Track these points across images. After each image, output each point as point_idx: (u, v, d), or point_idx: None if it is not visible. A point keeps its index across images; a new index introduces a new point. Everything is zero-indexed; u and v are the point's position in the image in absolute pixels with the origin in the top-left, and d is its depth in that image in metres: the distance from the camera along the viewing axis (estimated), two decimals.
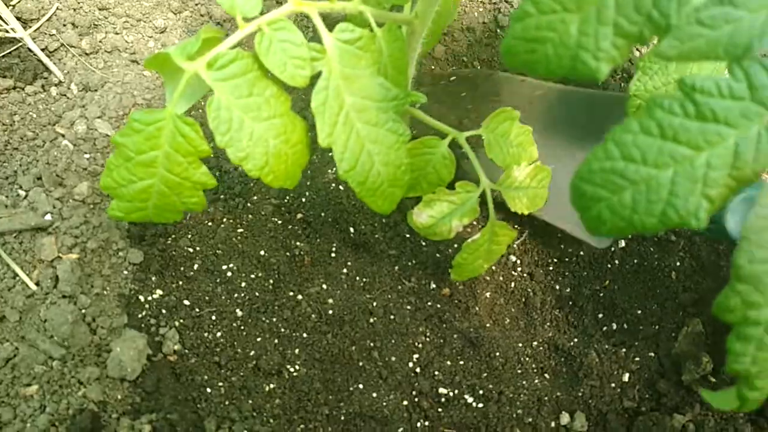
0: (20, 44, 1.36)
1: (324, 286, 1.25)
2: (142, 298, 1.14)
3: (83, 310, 1.06)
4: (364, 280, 1.27)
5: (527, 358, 1.25)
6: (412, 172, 1.13)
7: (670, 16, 0.56)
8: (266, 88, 0.91)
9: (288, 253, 1.27)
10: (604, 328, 1.29)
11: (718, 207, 0.61)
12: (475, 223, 1.32)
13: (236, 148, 0.90)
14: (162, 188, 0.92)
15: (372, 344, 1.21)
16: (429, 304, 1.26)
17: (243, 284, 1.22)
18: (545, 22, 0.62)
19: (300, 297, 1.23)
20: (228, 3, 0.86)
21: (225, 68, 0.87)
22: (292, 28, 0.89)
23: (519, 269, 1.33)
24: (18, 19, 1.40)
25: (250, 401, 1.10)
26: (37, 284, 1.07)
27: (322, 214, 1.32)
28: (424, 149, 1.12)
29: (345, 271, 1.27)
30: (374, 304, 1.24)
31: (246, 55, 0.88)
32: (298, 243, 1.28)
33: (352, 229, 1.31)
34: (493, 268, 1.32)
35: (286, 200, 1.32)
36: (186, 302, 1.18)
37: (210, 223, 1.27)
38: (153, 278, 1.17)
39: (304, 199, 1.34)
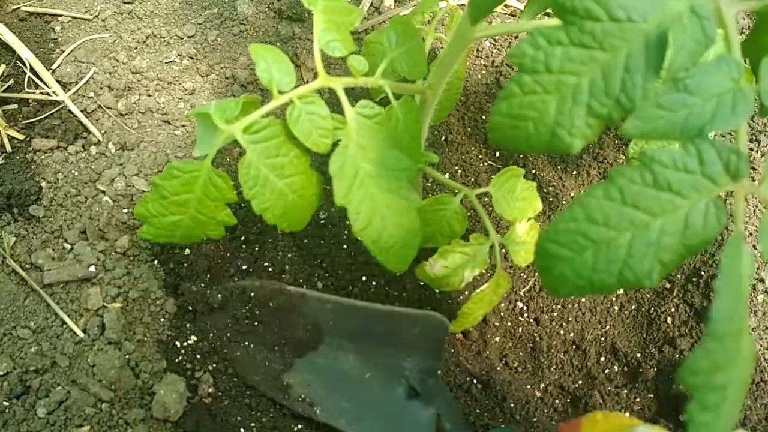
0: (61, 106, 1.47)
1: None
2: (178, 343, 1.23)
3: (127, 356, 1.15)
4: None
5: (536, 399, 1.34)
6: (427, 226, 1.23)
7: (635, 100, 0.65)
8: (291, 150, 1.03)
9: None
10: (606, 371, 1.38)
11: (670, 271, 0.68)
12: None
13: (260, 201, 1.01)
14: (190, 224, 1.04)
15: None
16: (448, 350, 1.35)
17: None
18: (527, 101, 0.71)
19: None
20: (266, 78, 0.97)
21: (258, 133, 0.98)
22: (320, 102, 1.00)
23: (526, 315, 1.42)
24: (58, 82, 1.51)
25: None
26: (84, 331, 1.16)
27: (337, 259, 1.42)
28: (438, 206, 1.22)
29: None
30: None
31: (277, 123, 0.99)
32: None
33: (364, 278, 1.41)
34: (502, 314, 1.41)
35: (306, 243, 1.42)
36: (219, 346, 1.26)
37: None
38: (188, 325, 1.26)
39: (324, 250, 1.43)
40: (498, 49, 1.76)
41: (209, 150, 0.98)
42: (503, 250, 1.29)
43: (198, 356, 1.24)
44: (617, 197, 0.66)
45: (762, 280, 1.41)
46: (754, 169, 1.58)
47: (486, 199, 1.43)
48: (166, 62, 1.61)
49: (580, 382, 1.37)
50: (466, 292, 1.35)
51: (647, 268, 0.66)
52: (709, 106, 0.66)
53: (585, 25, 0.65)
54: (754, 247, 1.45)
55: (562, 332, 1.42)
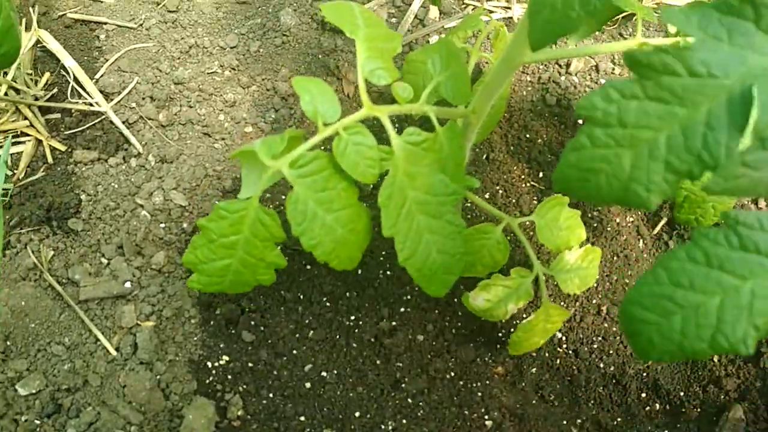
0: (103, 117, 1.48)
1: (378, 362, 1.31)
2: (209, 364, 1.22)
3: (158, 377, 1.14)
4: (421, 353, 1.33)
5: None
6: (468, 255, 1.20)
7: (719, 157, 0.61)
8: (338, 183, 1.00)
9: (348, 323, 1.34)
10: (647, 408, 1.33)
11: (765, 335, 0.66)
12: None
13: (309, 237, 0.98)
14: (239, 267, 1.01)
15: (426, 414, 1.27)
16: (482, 381, 1.31)
17: (303, 349, 1.29)
18: (599, 154, 0.68)
19: (358, 383, 1.29)
20: (311, 110, 0.95)
21: (305, 167, 0.96)
22: (366, 132, 0.97)
23: (564, 346, 1.38)
24: (101, 92, 1.52)
25: None
26: (117, 350, 1.16)
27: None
28: (479, 235, 1.19)
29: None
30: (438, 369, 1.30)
31: (323, 155, 0.97)
32: (351, 318, 1.35)
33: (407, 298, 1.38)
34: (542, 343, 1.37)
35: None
36: (251, 366, 1.25)
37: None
38: (221, 345, 1.25)
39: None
40: (545, 65, 1.71)
41: (256, 190, 0.96)
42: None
43: (229, 377, 1.22)
44: (702, 260, 0.65)
45: None
46: None
47: (526, 224, 1.38)
48: (208, 73, 1.60)
49: (619, 419, 1.32)
50: (515, 322, 1.30)
51: (741, 334, 0.64)
52: None
53: (662, 80, 0.62)
54: None
55: (602, 365, 1.37)
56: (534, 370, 1.35)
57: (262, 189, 0.98)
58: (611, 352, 1.38)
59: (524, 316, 1.24)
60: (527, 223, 1.26)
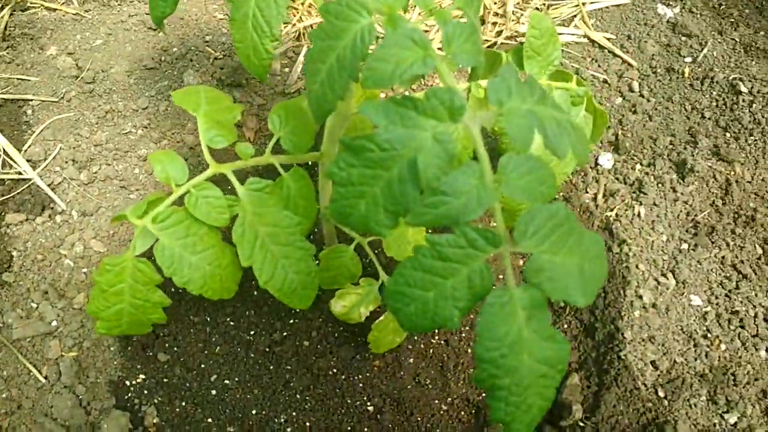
0: (31, 182, 1.73)
1: (271, 367, 1.56)
2: (127, 382, 1.47)
3: (80, 397, 1.39)
4: (316, 355, 1.57)
5: (442, 413, 1.54)
6: (329, 271, 1.44)
7: (409, 203, 0.86)
8: (200, 229, 1.25)
9: (247, 337, 1.59)
10: None
11: (467, 312, 0.90)
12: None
13: (179, 276, 1.23)
14: (130, 310, 1.26)
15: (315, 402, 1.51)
16: (363, 374, 1.56)
17: (210, 363, 1.54)
18: (346, 204, 0.91)
19: (254, 386, 1.54)
20: (164, 176, 1.20)
21: (166, 220, 1.20)
22: (212, 187, 1.22)
23: (436, 338, 1.62)
24: (28, 161, 1.77)
25: None
26: (45, 378, 1.40)
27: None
28: (336, 254, 1.43)
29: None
30: (321, 368, 1.55)
31: (179, 210, 1.22)
32: (250, 333, 1.60)
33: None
34: (416, 338, 1.62)
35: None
36: (165, 381, 1.50)
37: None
38: (138, 366, 1.50)
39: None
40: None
41: (134, 245, 1.21)
42: None
43: (145, 392, 1.47)
44: (419, 268, 0.89)
45: (640, 297, 1.58)
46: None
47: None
48: (123, 133, 1.86)
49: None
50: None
51: (449, 314, 0.88)
52: (459, 202, 0.86)
53: (366, 155, 0.87)
54: (636, 266, 1.63)
55: (469, 351, 1.61)
56: (411, 360, 1.59)
57: (142, 245, 1.23)
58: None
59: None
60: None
